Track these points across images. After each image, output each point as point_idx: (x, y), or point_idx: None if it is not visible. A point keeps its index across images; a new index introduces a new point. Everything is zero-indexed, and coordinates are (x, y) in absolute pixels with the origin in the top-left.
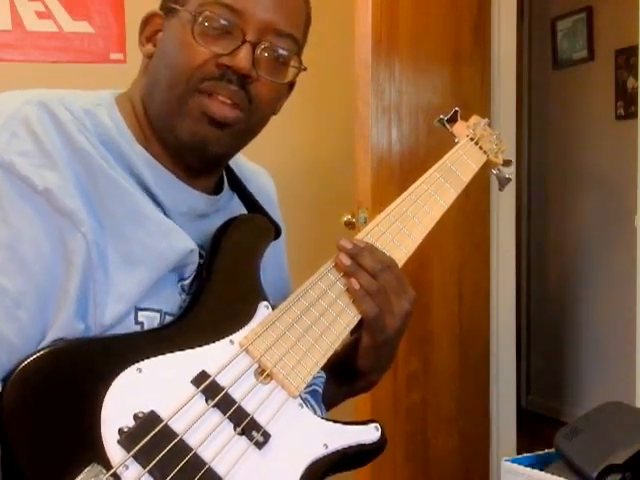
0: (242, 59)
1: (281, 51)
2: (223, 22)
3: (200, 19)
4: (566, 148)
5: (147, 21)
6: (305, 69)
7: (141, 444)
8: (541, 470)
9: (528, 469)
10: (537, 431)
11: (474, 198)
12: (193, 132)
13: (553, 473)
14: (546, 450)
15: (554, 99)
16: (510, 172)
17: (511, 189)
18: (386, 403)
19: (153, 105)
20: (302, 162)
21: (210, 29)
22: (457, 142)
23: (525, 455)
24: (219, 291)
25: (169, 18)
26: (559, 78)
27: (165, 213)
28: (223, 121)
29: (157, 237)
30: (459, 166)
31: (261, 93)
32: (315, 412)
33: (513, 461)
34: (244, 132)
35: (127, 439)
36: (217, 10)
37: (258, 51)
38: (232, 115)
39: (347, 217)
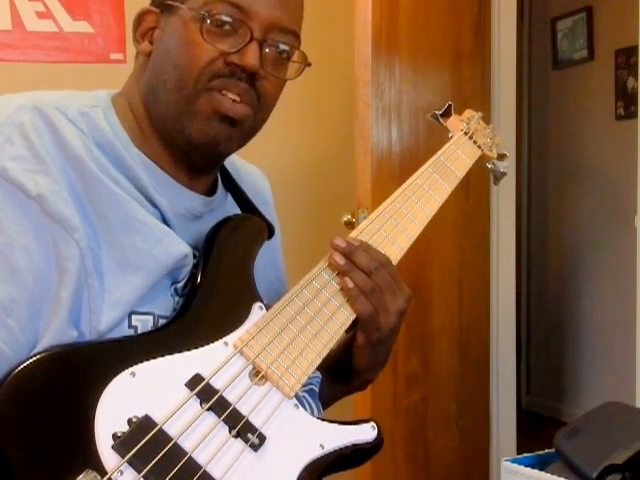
0: (251, 57)
1: (285, 47)
2: (229, 20)
3: (207, 17)
4: (566, 148)
5: (141, 18)
6: (310, 64)
7: (135, 449)
8: (541, 470)
9: (528, 469)
10: (537, 431)
11: (474, 198)
12: (204, 131)
13: (553, 473)
14: (546, 450)
15: (554, 99)
16: (505, 166)
17: (511, 189)
18: (386, 403)
19: (158, 106)
20: (302, 162)
21: (216, 27)
22: (451, 137)
23: (525, 455)
24: (212, 293)
25: (166, 16)
26: (559, 78)
27: (162, 215)
28: (235, 117)
29: (151, 242)
30: (453, 161)
31: (268, 90)
32: (312, 411)
33: (513, 461)
34: (251, 129)
35: (121, 444)
36: (223, 8)
37: (265, 48)
38: (243, 111)
39: (347, 217)
